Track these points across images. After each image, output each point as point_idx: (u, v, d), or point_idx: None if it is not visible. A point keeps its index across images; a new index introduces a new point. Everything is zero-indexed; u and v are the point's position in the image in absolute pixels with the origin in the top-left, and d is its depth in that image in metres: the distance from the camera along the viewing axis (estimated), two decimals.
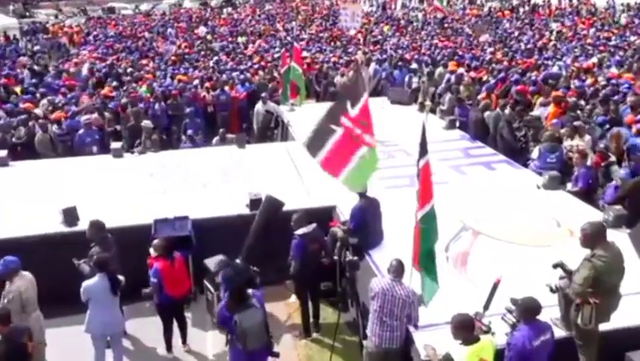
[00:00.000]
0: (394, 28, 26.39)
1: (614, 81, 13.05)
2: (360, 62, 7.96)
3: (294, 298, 7.27)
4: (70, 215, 7.29)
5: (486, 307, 4.98)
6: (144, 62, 18.62)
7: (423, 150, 5.14)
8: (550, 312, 5.15)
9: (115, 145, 10.15)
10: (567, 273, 4.85)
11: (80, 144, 10.74)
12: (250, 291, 5.30)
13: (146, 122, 11.06)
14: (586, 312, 4.62)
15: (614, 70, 14.99)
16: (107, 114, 11.85)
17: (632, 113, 10.19)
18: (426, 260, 5.23)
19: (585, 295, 4.60)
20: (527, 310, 4.53)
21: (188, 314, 6.96)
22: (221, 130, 11.40)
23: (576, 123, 9.51)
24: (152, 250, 6.34)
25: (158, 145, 10.82)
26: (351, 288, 6.69)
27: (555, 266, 4.97)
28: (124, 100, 12.74)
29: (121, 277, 5.92)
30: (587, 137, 9.29)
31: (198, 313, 7.07)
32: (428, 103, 5.22)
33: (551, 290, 5.02)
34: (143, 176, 9.12)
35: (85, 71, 16.75)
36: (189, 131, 11.29)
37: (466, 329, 4.43)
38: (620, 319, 4.99)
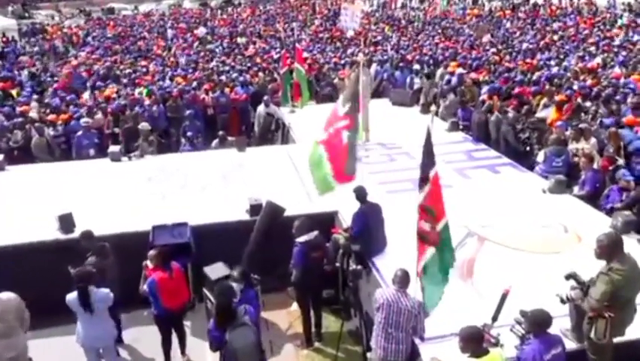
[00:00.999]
0: (395, 28, 26.22)
1: (614, 81, 12.92)
2: (362, 63, 7.82)
3: (295, 305, 7.11)
4: (67, 222, 7.14)
5: (494, 318, 4.83)
6: (143, 63, 18.48)
7: (431, 160, 4.87)
8: (560, 322, 4.99)
9: (113, 148, 9.99)
10: (580, 284, 4.67)
11: (78, 146, 10.62)
12: (243, 307, 5.12)
13: (144, 125, 10.94)
14: (600, 326, 4.45)
15: (617, 70, 14.83)
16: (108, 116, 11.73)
17: (632, 114, 10.06)
18: (443, 270, 5.03)
19: (601, 309, 4.43)
20: (538, 323, 4.36)
21: (187, 323, 6.81)
22: (220, 133, 11.25)
23: (582, 126, 9.33)
24: (148, 261, 6.16)
25: (156, 147, 10.69)
26: (354, 297, 6.52)
27: (568, 277, 4.79)
28: (123, 102, 12.60)
29: (105, 290, 5.68)
30: (593, 140, 9.12)
31: (197, 322, 6.89)
32: (433, 108, 5.06)
33: (562, 301, 4.85)
34: (142, 180, 8.97)
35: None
36: (189, 134, 11.13)
37: (475, 341, 4.27)
38: (633, 330, 4.81)
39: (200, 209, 7.79)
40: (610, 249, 4.54)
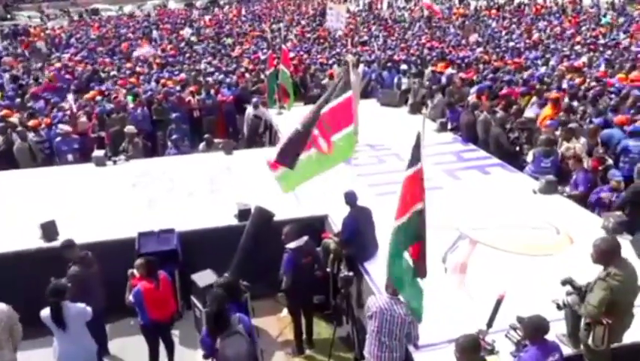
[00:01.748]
0: (382, 28, 26.18)
1: (604, 80, 12.97)
2: (352, 63, 7.74)
3: (285, 312, 6.99)
4: (49, 230, 6.94)
5: (489, 324, 4.74)
6: (128, 65, 18.22)
7: (415, 159, 4.69)
8: (556, 327, 4.90)
9: (97, 153, 9.79)
10: (577, 290, 4.59)
11: (58, 151, 10.46)
12: (237, 316, 4.98)
13: (129, 128, 10.77)
14: (598, 332, 4.36)
15: (602, 68, 14.91)
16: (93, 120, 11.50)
17: (615, 114, 10.13)
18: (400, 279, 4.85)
19: (599, 315, 4.35)
20: (535, 329, 4.26)
21: (175, 332, 6.63)
22: (206, 136, 11.08)
23: (572, 125, 9.32)
24: (134, 270, 5.99)
25: (141, 150, 10.49)
26: (345, 303, 6.41)
27: (564, 283, 4.71)
28: (108, 106, 12.37)
29: (81, 305, 5.47)
30: (582, 139, 9.11)
31: (186, 331, 6.74)
32: (425, 111, 4.96)
33: (558, 307, 4.77)
34: (127, 185, 8.78)
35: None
36: (174, 137, 10.92)
37: (472, 351, 4.17)
38: (631, 334, 4.73)
39: (187, 215, 7.62)
40: (607, 254, 4.45)
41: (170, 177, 9.04)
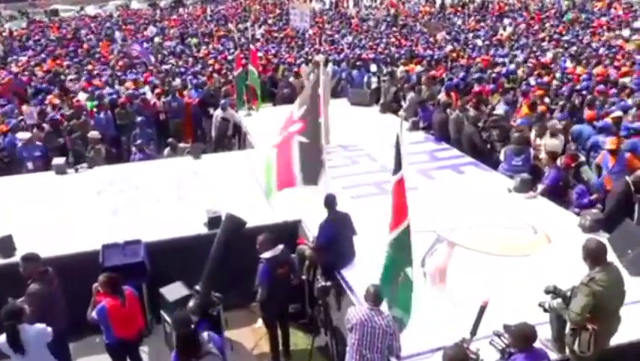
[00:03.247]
0: (349, 27, 26.04)
1: (570, 76, 13.12)
2: (321, 63, 7.54)
3: (260, 322, 6.72)
4: (6, 245, 6.52)
5: (473, 332, 4.57)
6: (90, 67, 17.61)
7: (397, 165, 4.77)
8: (540, 331, 4.76)
9: (57, 161, 9.32)
10: (562, 297, 4.46)
11: (19, 157, 9.98)
12: (206, 334, 4.71)
13: (93, 133, 10.34)
14: (584, 338, 4.23)
15: (568, 64, 15.08)
16: (45, 126, 10.94)
17: (588, 110, 10.19)
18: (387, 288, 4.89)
19: (583, 322, 4.23)
20: (523, 337, 4.11)
21: (144, 348, 6.31)
22: (170, 140, 10.69)
23: (548, 123, 9.33)
24: (98, 286, 5.63)
25: (102, 157, 10.05)
26: (322, 313, 6.19)
27: (547, 292, 4.57)
28: (68, 112, 11.84)
29: (40, 326, 5.11)
30: (561, 136, 9.09)
31: (155, 347, 6.42)
32: (402, 113, 4.78)
33: (545, 310, 4.64)
34: (90, 195, 8.37)
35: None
36: (139, 142, 10.50)
37: None
38: (617, 336, 4.62)
39: (154, 224, 7.27)
40: (593, 254, 4.36)
41: (135, 185, 8.67)
